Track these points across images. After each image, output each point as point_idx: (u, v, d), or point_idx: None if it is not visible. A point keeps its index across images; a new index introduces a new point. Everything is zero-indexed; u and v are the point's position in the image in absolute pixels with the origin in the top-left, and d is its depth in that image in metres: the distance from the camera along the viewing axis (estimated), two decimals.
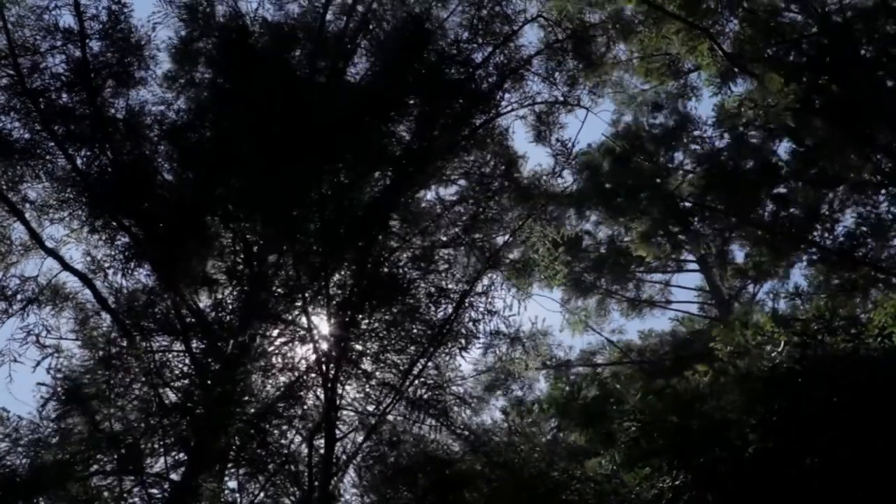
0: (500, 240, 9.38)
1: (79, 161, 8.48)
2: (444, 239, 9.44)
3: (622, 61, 14.68)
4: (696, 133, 16.29)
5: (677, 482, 5.73)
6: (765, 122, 13.15)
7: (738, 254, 16.89)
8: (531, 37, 16.54)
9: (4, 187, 8.36)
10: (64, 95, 8.32)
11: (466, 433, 7.50)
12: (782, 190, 14.60)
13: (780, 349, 6.27)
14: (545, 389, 8.53)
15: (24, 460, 7.13)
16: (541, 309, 19.36)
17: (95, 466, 7.51)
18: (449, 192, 10.06)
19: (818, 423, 5.59)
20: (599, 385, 7.55)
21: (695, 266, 18.04)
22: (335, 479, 7.16)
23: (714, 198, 14.27)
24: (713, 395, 6.22)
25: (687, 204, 15.59)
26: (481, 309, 8.28)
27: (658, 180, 15.24)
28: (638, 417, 6.34)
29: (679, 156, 17.00)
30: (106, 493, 7.44)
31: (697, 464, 5.71)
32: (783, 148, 14.49)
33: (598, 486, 6.31)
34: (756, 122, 13.16)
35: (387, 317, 8.27)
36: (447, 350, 8.07)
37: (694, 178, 15.56)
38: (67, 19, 8.51)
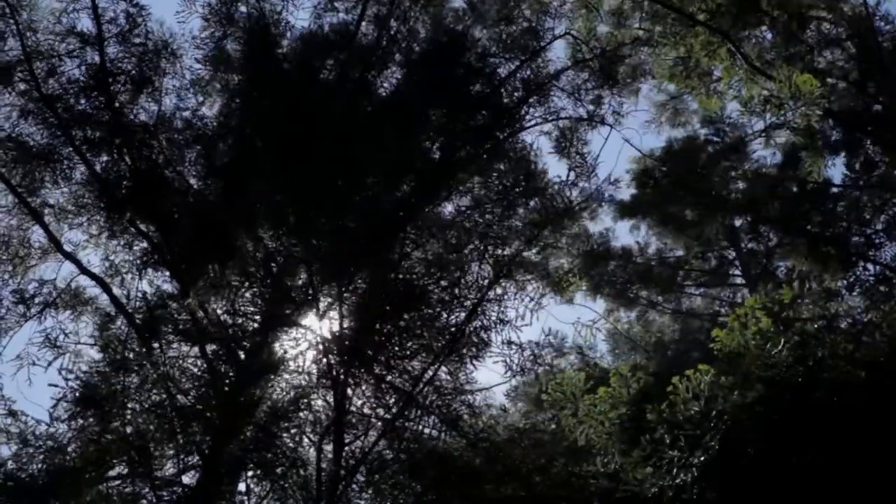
0: (516, 249, 9.29)
1: (97, 166, 8.59)
2: (464, 248, 9.38)
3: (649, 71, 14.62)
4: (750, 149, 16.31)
5: (678, 481, 5.66)
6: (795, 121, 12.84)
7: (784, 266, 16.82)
8: (559, 52, 16.67)
9: (24, 192, 8.48)
10: (82, 100, 8.41)
11: (472, 433, 7.42)
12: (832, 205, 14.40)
13: (779, 349, 6.19)
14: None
15: (40, 464, 7.16)
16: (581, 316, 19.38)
17: (109, 471, 7.56)
18: (468, 203, 10.03)
19: (819, 424, 5.49)
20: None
21: (741, 280, 18.03)
22: (343, 483, 7.11)
23: (763, 213, 14.08)
24: (714, 396, 6.15)
25: (737, 220, 15.53)
26: (494, 317, 8.19)
27: (712, 193, 15.10)
28: (639, 416, 6.29)
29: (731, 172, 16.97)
30: (119, 498, 7.48)
31: (698, 463, 5.64)
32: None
33: (598, 483, 6.25)
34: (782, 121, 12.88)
35: (401, 323, 8.23)
36: (460, 356, 8.00)
37: (743, 193, 15.45)
38: (86, 23, 8.61)
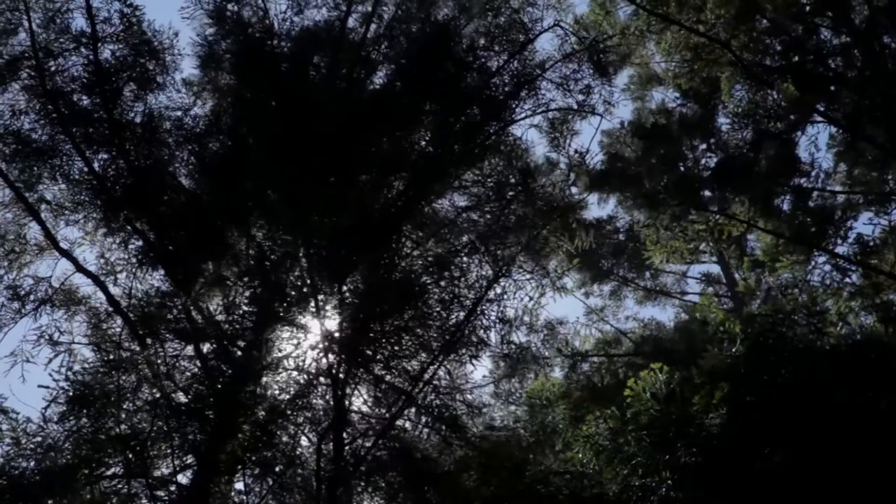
0: (512, 248, 9.29)
1: (95, 164, 8.54)
2: (458, 246, 9.38)
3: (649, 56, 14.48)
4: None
5: (645, 480, 5.71)
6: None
7: (756, 245, 16.40)
8: (547, 45, 16.47)
9: (21, 187, 8.42)
10: (84, 98, 8.37)
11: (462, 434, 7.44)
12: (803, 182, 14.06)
13: (736, 347, 6.26)
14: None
15: (32, 463, 7.08)
16: (556, 300, 19.08)
17: (104, 470, 7.48)
18: (463, 199, 10.03)
19: (780, 417, 5.55)
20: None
21: (712, 257, 17.94)
22: (343, 482, 7.09)
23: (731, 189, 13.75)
24: (671, 394, 6.22)
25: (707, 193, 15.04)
26: (493, 317, 8.22)
27: (681, 165, 14.64)
28: (611, 419, 6.36)
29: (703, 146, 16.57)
30: (114, 497, 7.40)
31: (664, 463, 5.68)
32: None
33: (574, 481, 6.29)
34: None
35: (398, 322, 8.22)
36: (457, 357, 8.01)
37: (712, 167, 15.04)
38: (80, 22, 8.56)
